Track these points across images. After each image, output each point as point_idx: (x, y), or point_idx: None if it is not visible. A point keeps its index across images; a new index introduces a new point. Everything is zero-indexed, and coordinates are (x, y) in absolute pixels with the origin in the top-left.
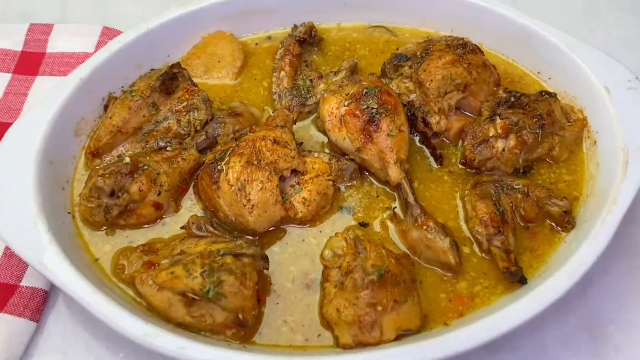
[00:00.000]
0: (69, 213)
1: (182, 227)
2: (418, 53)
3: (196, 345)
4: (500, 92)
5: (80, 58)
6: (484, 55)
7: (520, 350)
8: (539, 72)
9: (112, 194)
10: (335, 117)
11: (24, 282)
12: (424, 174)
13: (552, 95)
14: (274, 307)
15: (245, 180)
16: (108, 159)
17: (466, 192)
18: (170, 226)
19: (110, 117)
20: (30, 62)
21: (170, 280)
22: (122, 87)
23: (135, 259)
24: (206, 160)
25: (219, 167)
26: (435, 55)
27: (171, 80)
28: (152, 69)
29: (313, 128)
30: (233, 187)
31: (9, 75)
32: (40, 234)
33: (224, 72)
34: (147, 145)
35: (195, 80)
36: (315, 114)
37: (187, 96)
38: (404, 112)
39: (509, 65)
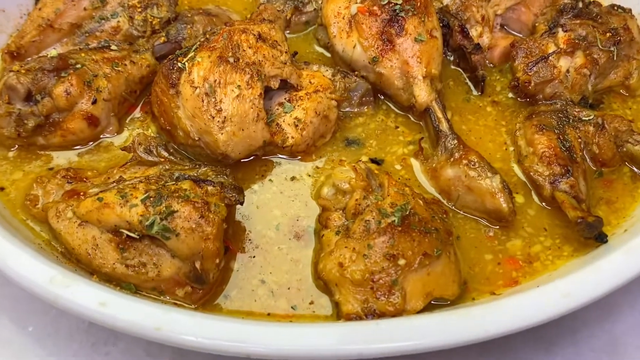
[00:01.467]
0: None
1: (123, 149)
2: None
3: (124, 302)
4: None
5: None
6: None
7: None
8: None
9: (29, 97)
10: (343, 18)
11: None
12: (460, 104)
13: (626, 11)
14: (248, 262)
15: (215, 82)
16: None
17: (518, 125)
18: (109, 152)
19: (40, 9)
20: None
21: (98, 210)
22: None
23: (55, 188)
24: (161, 65)
25: (179, 64)
26: None
27: None
28: None
29: (313, 43)
30: (198, 90)
31: None
32: None
33: None
34: (86, 49)
35: None
36: (314, 26)
37: None
38: (436, 14)
39: None
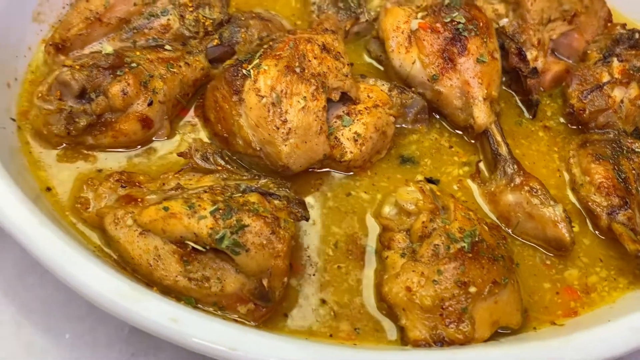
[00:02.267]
0: (13, 120)
1: (180, 154)
2: None
3: (196, 319)
4: (618, 28)
5: None
6: None
7: None
8: None
9: (82, 95)
10: (402, 33)
11: None
12: (513, 127)
13: None
14: (308, 279)
15: (282, 92)
16: (77, 56)
17: (571, 152)
18: (160, 155)
19: (88, 0)
20: None
21: (163, 220)
22: None
23: (107, 191)
24: (220, 70)
25: (244, 71)
26: None
27: None
28: None
29: (363, 55)
30: (265, 100)
31: None
32: None
33: None
34: (134, 47)
35: None
36: (366, 37)
37: None
38: (495, 35)
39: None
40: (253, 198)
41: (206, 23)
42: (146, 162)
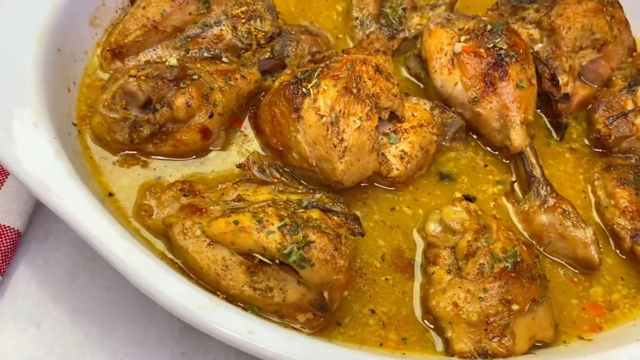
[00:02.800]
0: (74, 125)
1: (238, 166)
2: None
3: (272, 331)
4: None
5: None
6: (623, 11)
7: None
8: None
9: (146, 105)
10: (445, 55)
11: None
12: (541, 148)
13: None
14: (358, 291)
15: (340, 112)
16: (132, 63)
17: (596, 175)
18: (214, 164)
19: (144, 7)
20: None
21: (233, 233)
22: None
23: (170, 200)
24: (279, 81)
25: (304, 89)
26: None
27: None
28: None
29: (400, 70)
30: (324, 119)
31: None
32: (42, 142)
33: None
34: (187, 55)
35: None
36: (407, 53)
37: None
38: (532, 59)
39: None
40: (315, 214)
41: (258, 36)
42: (202, 171)
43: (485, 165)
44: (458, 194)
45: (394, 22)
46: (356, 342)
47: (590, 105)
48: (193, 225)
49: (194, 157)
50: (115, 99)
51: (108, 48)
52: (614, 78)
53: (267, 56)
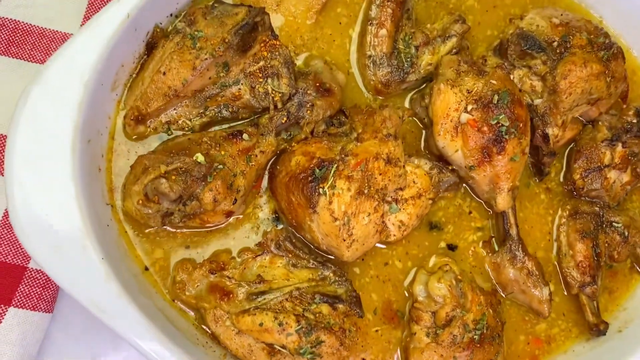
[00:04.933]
0: (108, 204)
1: (258, 245)
2: (555, 43)
3: None
4: (631, 114)
5: None
6: (624, 62)
7: None
8: None
9: (181, 197)
10: (451, 121)
11: (33, 264)
12: (522, 189)
13: None
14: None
15: (352, 213)
16: (154, 124)
17: (563, 220)
18: (236, 229)
19: (164, 73)
20: None
21: (259, 332)
22: (171, 14)
23: (200, 278)
24: (293, 166)
25: (320, 189)
26: (579, 59)
27: (250, 32)
28: (218, 0)
29: (407, 104)
30: (337, 222)
31: None
32: (92, 266)
33: (302, 7)
34: (206, 112)
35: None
36: (413, 92)
37: (265, 53)
38: (529, 130)
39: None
40: (325, 310)
41: (275, 98)
42: (225, 238)
43: (470, 212)
44: (443, 244)
45: (405, 63)
46: None
47: (572, 145)
48: (224, 316)
49: (222, 224)
50: (150, 194)
51: (132, 117)
52: (600, 122)
53: (283, 121)
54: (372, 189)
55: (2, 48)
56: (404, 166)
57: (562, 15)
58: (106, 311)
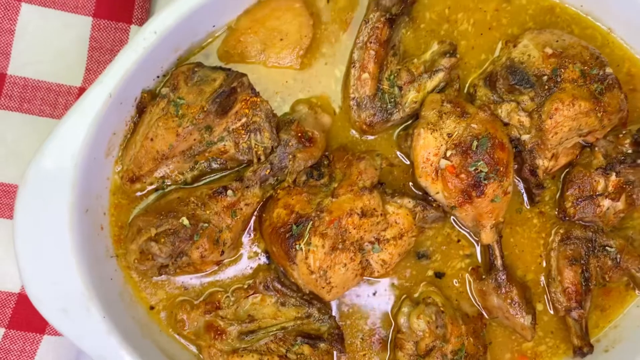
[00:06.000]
0: (112, 257)
1: (248, 287)
2: (545, 77)
3: None
4: (627, 143)
5: None
6: (621, 91)
7: None
8: None
9: (171, 255)
10: (431, 165)
11: None
12: (513, 215)
13: None
14: None
15: (327, 266)
16: (149, 180)
17: (554, 245)
18: (230, 268)
19: (152, 139)
20: None
21: None
22: (157, 76)
23: (197, 317)
24: (274, 218)
25: (297, 246)
26: (567, 97)
27: (229, 96)
28: (198, 64)
29: (393, 144)
30: (314, 275)
31: None
32: (95, 322)
33: (286, 54)
34: (196, 166)
35: (250, 63)
36: (400, 128)
37: (246, 110)
38: (512, 167)
39: (634, 64)
40: (306, 350)
41: (258, 152)
42: (220, 277)
43: (458, 240)
44: (430, 272)
45: (389, 104)
46: None
47: (568, 169)
48: (217, 354)
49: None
50: (144, 255)
51: (127, 178)
52: (596, 149)
53: (267, 172)
54: (347, 242)
55: (16, 105)
56: (381, 214)
57: (557, 41)
58: None
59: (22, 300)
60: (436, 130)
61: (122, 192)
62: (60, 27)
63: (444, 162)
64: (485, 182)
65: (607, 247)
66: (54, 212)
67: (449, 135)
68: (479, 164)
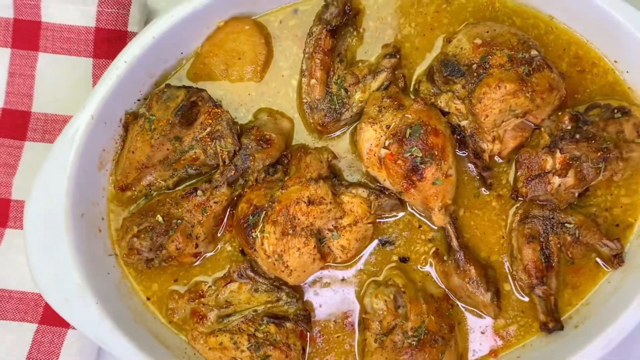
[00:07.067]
0: (110, 255)
1: (222, 277)
2: (474, 65)
3: None
4: (566, 120)
5: (81, 33)
6: (552, 70)
7: None
8: (615, 61)
9: (151, 249)
10: (374, 155)
11: None
12: (471, 200)
13: (626, 113)
14: (319, 348)
15: (281, 250)
16: (138, 188)
17: (514, 225)
18: (212, 262)
19: (133, 152)
20: (27, 34)
21: (220, 350)
22: (138, 99)
23: (183, 305)
24: (238, 213)
25: (253, 234)
26: (494, 80)
27: (190, 109)
28: (167, 85)
29: (349, 141)
30: (270, 259)
31: (8, 51)
32: (90, 309)
33: (247, 70)
34: (175, 173)
35: (217, 80)
36: (352, 127)
37: (209, 121)
38: (452, 149)
39: (581, 46)
40: (272, 329)
41: (223, 155)
42: (205, 270)
43: (419, 226)
44: (395, 257)
45: (337, 105)
46: None
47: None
48: (198, 336)
49: (196, 262)
50: (130, 250)
51: (117, 187)
52: (542, 129)
53: (232, 173)
54: (297, 228)
55: (39, 137)
56: (331, 202)
57: (487, 32)
58: (104, 342)
59: None
60: (376, 123)
61: (117, 199)
62: (69, 68)
63: (383, 151)
64: (422, 166)
65: (566, 224)
66: (55, 217)
67: (387, 126)
68: (413, 149)
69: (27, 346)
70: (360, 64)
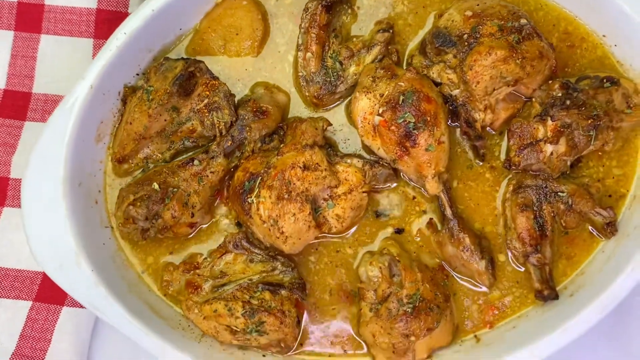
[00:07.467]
0: (106, 227)
1: (219, 247)
2: (465, 36)
3: None
4: (556, 87)
5: (83, 15)
6: (541, 39)
7: None
8: (604, 36)
9: (147, 218)
10: (368, 123)
11: None
12: (464, 171)
13: (615, 83)
14: (315, 320)
15: (277, 215)
16: (135, 161)
17: (507, 195)
18: (207, 234)
19: (131, 123)
20: (30, 17)
21: (214, 317)
22: (137, 74)
23: (178, 277)
24: (234, 181)
25: (249, 199)
26: (484, 48)
27: (188, 80)
28: (165, 58)
29: (344, 115)
30: (265, 224)
31: (11, 34)
32: (85, 275)
33: (244, 45)
34: (172, 146)
35: (214, 56)
36: (346, 100)
37: (207, 92)
38: (444, 117)
39: (570, 22)
40: (267, 296)
41: (220, 126)
42: (200, 242)
43: (414, 198)
44: (390, 229)
45: (332, 77)
46: (313, 356)
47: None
48: (193, 306)
49: (192, 233)
50: (126, 218)
51: (114, 159)
52: (533, 99)
53: (229, 144)
54: (292, 193)
55: (39, 116)
56: (326, 169)
57: (478, 5)
58: (98, 308)
59: (46, 278)
60: (370, 92)
61: (115, 173)
62: (71, 50)
63: (377, 119)
64: (415, 131)
65: (559, 193)
66: (52, 185)
67: (381, 95)
68: (406, 115)
69: (21, 323)
70: (354, 39)
